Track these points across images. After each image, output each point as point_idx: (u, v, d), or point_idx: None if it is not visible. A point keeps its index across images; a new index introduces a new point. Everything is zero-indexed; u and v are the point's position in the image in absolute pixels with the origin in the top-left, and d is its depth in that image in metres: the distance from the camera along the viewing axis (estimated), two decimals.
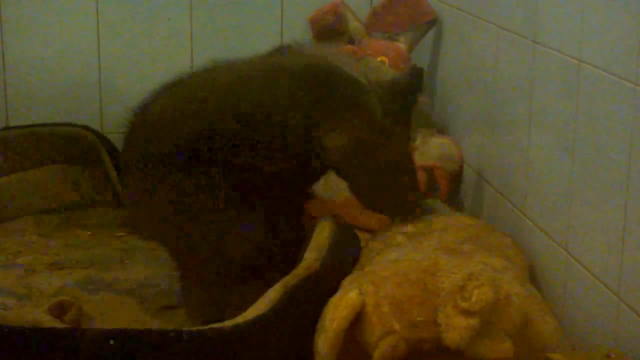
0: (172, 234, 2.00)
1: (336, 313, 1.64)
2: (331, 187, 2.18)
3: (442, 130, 2.61)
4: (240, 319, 1.66)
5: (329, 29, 2.75)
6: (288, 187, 2.02)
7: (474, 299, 1.55)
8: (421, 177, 2.32)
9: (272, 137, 1.93)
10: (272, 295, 1.72)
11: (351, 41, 2.74)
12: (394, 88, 2.06)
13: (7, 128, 2.72)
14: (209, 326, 1.65)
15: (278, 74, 1.99)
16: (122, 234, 2.59)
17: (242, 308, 1.72)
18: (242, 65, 2.08)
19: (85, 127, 2.69)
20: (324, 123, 1.94)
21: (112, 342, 1.57)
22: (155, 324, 2.08)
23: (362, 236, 2.10)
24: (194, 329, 1.64)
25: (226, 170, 1.93)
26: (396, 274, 1.69)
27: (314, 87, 1.96)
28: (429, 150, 2.46)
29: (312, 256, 1.85)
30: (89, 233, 2.59)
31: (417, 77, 2.11)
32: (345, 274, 1.84)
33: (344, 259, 1.92)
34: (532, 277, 1.93)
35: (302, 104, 1.94)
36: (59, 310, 1.95)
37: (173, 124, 1.96)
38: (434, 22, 2.71)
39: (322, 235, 1.93)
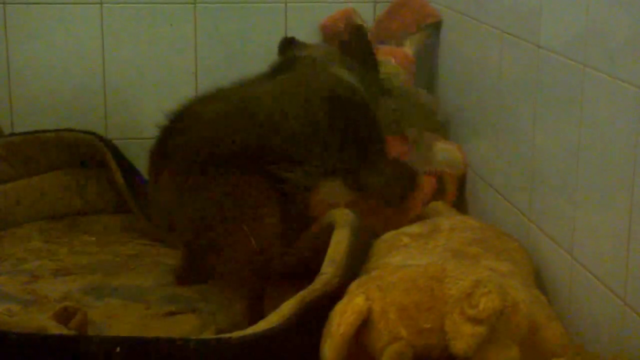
0: (205, 234, 2.05)
1: (343, 319, 1.64)
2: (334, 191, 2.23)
3: (446, 135, 2.61)
4: (249, 330, 1.65)
5: (340, 35, 2.76)
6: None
7: (481, 306, 1.55)
8: (428, 182, 2.38)
9: (312, 156, 2.11)
10: (286, 309, 1.70)
11: None
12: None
13: (12, 134, 2.72)
14: (216, 336, 1.65)
15: (313, 97, 2.20)
16: (127, 239, 2.59)
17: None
18: (280, 83, 2.28)
19: (91, 133, 2.68)
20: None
21: (118, 349, 1.57)
22: (160, 329, 2.08)
23: None
24: (201, 338, 1.63)
25: (269, 181, 2.04)
26: (403, 280, 1.68)
27: (339, 114, 2.20)
28: (434, 156, 2.47)
29: (330, 272, 1.81)
30: (94, 239, 2.60)
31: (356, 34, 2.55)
32: None
33: (359, 269, 1.90)
34: (538, 281, 1.93)
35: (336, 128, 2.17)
36: (65, 316, 1.94)
37: (224, 135, 2.08)
38: (438, 24, 2.72)
39: (340, 246, 1.89)
